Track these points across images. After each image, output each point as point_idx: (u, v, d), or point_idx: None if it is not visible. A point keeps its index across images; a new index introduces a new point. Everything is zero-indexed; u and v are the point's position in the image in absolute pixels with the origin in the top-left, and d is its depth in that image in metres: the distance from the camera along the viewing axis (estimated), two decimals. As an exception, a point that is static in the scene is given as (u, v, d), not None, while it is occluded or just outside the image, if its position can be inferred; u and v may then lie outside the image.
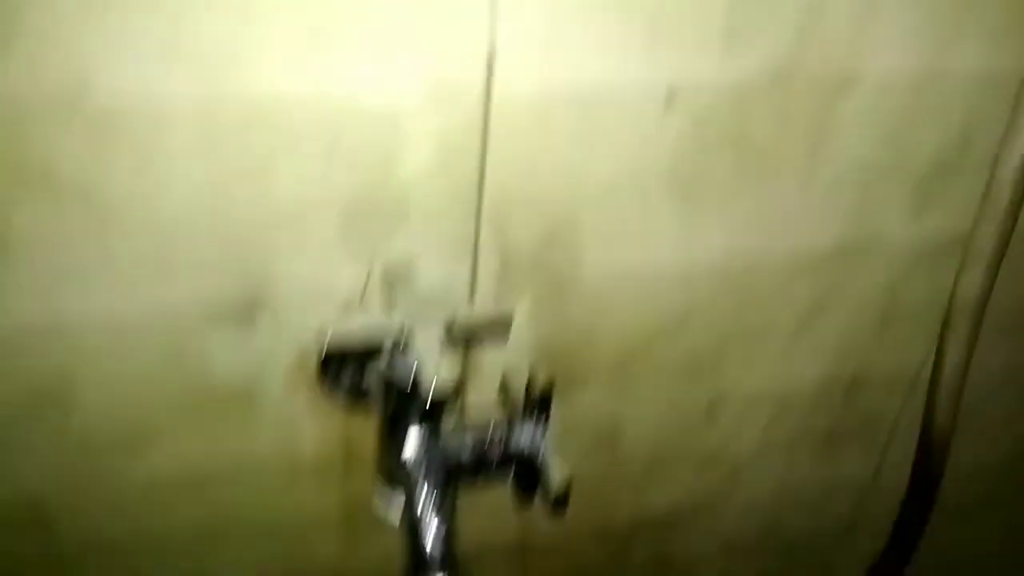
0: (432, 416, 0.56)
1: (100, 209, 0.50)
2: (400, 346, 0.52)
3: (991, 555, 1.00)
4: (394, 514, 0.59)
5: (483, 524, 0.75)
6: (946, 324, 0.68)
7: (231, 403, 0.61)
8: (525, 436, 0.60)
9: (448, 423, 0.58)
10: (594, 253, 0.62)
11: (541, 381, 0.59)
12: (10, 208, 0.49)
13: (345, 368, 0.57)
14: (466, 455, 0.58)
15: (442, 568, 0.51)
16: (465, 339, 0.54)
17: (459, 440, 0.59)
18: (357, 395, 0.60)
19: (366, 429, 0.64)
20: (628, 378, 0.70)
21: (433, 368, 0.49)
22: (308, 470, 0.66)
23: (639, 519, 0.80)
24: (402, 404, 0.53)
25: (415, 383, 0.50)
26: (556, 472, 0.58)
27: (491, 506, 0.74)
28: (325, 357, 0.53)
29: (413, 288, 0.55)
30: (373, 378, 0.56)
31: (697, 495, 0.81)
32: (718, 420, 0.75)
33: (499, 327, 0.54)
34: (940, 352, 0.70)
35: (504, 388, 0.63)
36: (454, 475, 0.59)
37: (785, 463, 0.81)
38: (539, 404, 0.59)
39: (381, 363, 0.53)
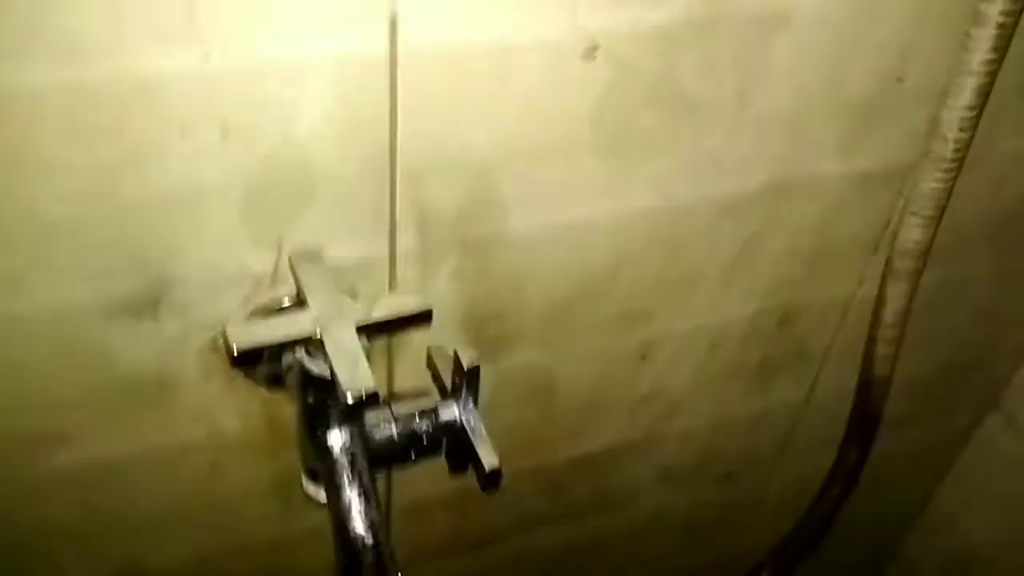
0: (353, 414, 0.53)
1: (-29, 213, 0.45)
2: (314, 340, 0.49)
3: (913, 463, 1.04)
4: (321, 499, 0.57)
5: (420, 475, 0.74)
6: (887, 270, 0.67)
7: (143, 395, 0.57)
8: (454, 413, 0.58)
9: (372, 412, 0.56)
10: (518, 212, 0.59)
11: (468, 357, 0.56)
12: None
13: (259, 358, 0.54)
14: (392, 440, 0.56)
15: (372, 560, 0.50)
16: (383, 331, 0.51)
17: (385, 428, 0.57)
18: (274, 383, 0.57)
19: (290, 409, 0.62)
20: (559, 333, 0.68)
21: (350, 367, 0.46)
22: (233, 451, 0.63)
23: (577, 460, 0.80)
24: (320, 401, 0.51)
25: (333, 382, 0.48)
26: (487, 452, 0.56)
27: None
28: (234, 353, 0.50)
29: (326, 272, 0.52)
30: (289, 371, 0.53)
31: (633, 433, 0.81)
32: (651, 363, 0.75)
33: (419, 318, 0.51)
34: (880, 299, 0.69)
35: (431, 364, 0.60)
36: (382, 461, 0.57)
37: (719, 395, 0.82)
38: (467, 380, 0.57)
39: (295, 358, 0.50)
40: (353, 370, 0.46)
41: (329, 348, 0.47)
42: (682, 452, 0.86)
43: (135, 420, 0.58)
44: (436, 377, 0.61)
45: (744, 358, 0.79)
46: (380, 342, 0.61)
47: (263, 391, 0.60)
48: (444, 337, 0.63)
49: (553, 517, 0.86)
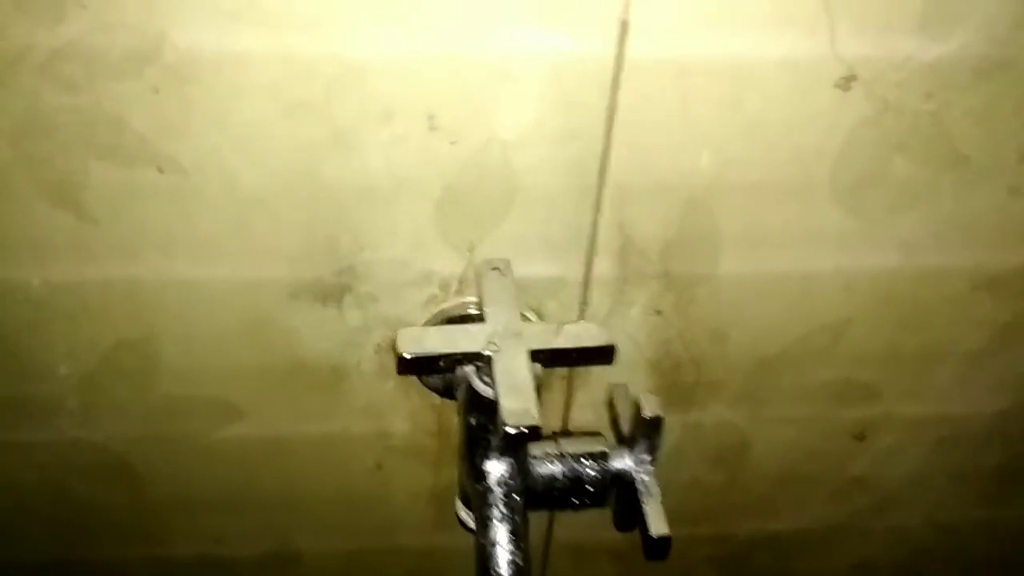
0: (512, 447, 0.49)
1: (176, 176, 0.46)
2: (488, 361, 0.45)
3: None
4: (471, 526, 0.54)
5: (585, 524, 0.69)
6: None
7: (318, 380, 0.56)
8: (626, 463, 0.52)
9: (537, 445, 0.51)
10: (734, 252, 0.53)
11: (650, 406, 0.50)
12: (85, 170, 0.45)
13: (427, 368, 0.51)
14: (554, 479, 0.51)
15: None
16: (560, 362, 0.46)
17: (549, 464, 0.52)
18: (448, 393, 0.54)
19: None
20: (763, 393, 0.60)
21: (515, 397, 0.42)
22: (398, 452, 0.61)
23: (762, 537, 0.72)
24: (482, 424, 0.47)
25: (497, 410, 0.44)
26: (656, 516, 0.50)
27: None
28: (403, 360, 0.47)
29: (511, 287, 0.48)
30: (458, 386, 0.50)
31: (831, 519, 0.71)
32: (867, 446, 0.65)
33: (601, 354, 0.46)
34: None
35: (611, 404, 0.55)
36: (540, 500, 0.52)
37: (942, 497, 0.70)
38: (646, 431, 0.51)
39: (464, 372, 0.47)
40: (518, 400, 0.42)
41: (497, 372, 0.43)
42: (886, 552, 0.75)
43: (306, 404, 0.58)
44: (615, 420, 0.56)
45: (980, 461, 0.67)
46: (561, 369, 0.57)
47: (435, 398, 0.58)
48: (631, 376, 0.57)
49: (726, 593, 0.78)
